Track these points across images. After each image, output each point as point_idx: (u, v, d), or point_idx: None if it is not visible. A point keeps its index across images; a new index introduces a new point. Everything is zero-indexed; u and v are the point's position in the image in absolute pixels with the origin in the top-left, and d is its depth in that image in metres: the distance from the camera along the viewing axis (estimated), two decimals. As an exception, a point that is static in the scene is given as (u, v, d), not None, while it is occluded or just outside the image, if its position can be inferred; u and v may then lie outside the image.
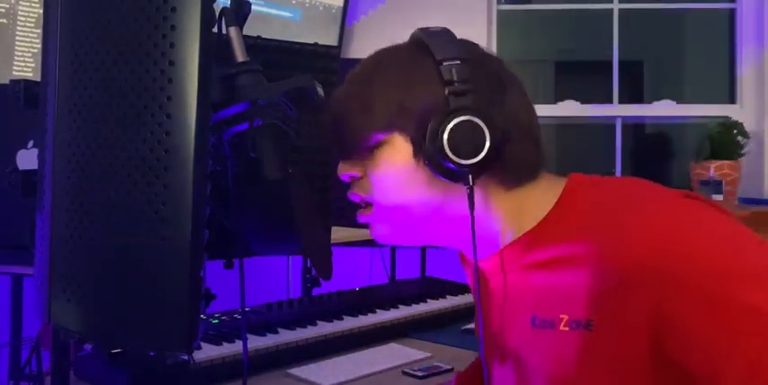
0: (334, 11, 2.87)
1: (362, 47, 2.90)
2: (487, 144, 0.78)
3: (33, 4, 2.27)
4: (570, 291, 0.77)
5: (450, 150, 0.78)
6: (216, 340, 1.32)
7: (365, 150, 0.86)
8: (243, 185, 0.84)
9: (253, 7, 0.88)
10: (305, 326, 1.45)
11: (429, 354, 1.43)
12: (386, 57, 0.88)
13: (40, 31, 2.24)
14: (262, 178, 0.82)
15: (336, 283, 1.46)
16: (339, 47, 2.77)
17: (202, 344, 1.30)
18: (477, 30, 3.07)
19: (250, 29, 0.90)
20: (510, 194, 0.83)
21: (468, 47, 0.85)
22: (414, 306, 1.68)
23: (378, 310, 1.61)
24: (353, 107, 0.85)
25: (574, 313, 0.76)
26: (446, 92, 0.79)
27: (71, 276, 0.74)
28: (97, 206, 0.71)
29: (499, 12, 3.25)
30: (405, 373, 1.33)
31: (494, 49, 3.07)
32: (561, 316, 0.77)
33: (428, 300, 1.73)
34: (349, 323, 1.51)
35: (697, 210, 0.77)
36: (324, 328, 1.46)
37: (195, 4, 0.66)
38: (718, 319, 0.67)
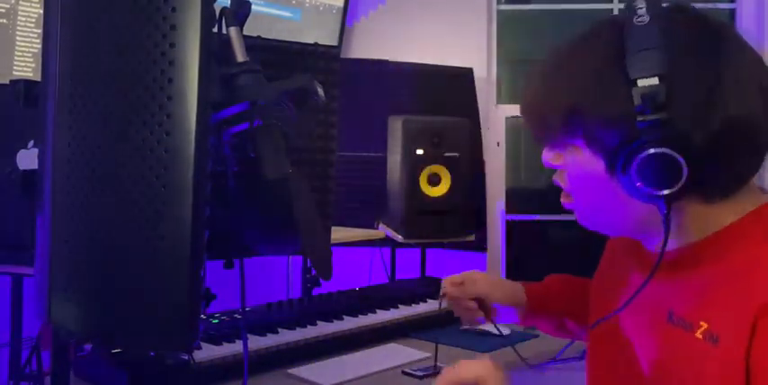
0: (334, 11, 2.87)
1: (362, 47, 2.90)
2: (684, 174, 0.71)
3: (33, 4, 2.26)
4: (714, 301, 0.74)
5: (642, 181, 0.72)
6: (216, 340, 1.32)
7: (560, 145, 0.81)
8: (243, 185, 0.84)
9: (253, 7, 0.88)
10: (305, 326, 1.45)
11: (429, 354, 1.43)
12: (580, 43, 0.80)
13: (40, 31, 2.24)
14: (262, 178, 0.82)
15: (336, 283, 1.46)
16: (339, 47, 2.77)
17: (202, 344, 1.30)
18: (478, 30, 3.06)
19: (250, 29, 0.90)
20: (706, 207, 0.77)
21: (680, 40, 0.73)
22: (414, 306, 1.68)
23: (378, 310, 1.61)
24: (545, 102, 0.80)
25: (712, 324, 0.73)
26: (637, 118, 0.71)
27: (71, 276, 0.74)
28: (97, 206, 0.71)
29: (499, 12, 3.25)
30: (405, 373, 1.33)
31: (494, 50, 3.07)
32: (701, 322, 0.74)
33: (428, 300, 1.73)
34: (349, 323, 1.51)
35: None
36: (324, 328, 1.46)
37: (195, 5, 0.66)
38: None
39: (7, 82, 1.01)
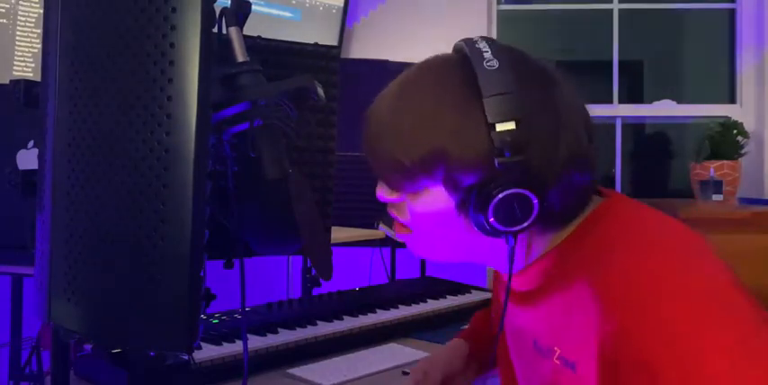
0: (334, 11, 2.87)
1: (362, 47, 2.90)
2: (535, 212, 0.75)
3: (33, 4, 2.27)
4: (562, 327, 0.76)
5: (497, 220, 0.75)
6: (216, 340, 1.32)
7: (409, 185, 0.81)
8: (243, 185, 0.84)
9: (253, 7, 0.88)
10: (305, 326, 1.45)
11: (429, 354, 1.43)
12: (432, 81, 0.81)
13: (40, 31, 2.24)
14: (262, 178, 0.82)
15: (336, 283, 1.46)
16: (339, 47, 2.77)
17: (202, 344, 1.30)
18: (477, 30, 3.06)
19: (250, 29, 0.90)
20: (549, 234, 0.81)
21: (517, 71, 0.76)
22: (414, 306, 1.68)
23: (378, 310, 1.61)
24: (392, 137, 0.81)
25: (564, 350, 0.76)
26: (497, 160, 0.74)
27: (71, 276, 0.74)
28: (97, 206, 0.71)
29: (499, 12, 3.25)
30: (405, 373, 1.33)
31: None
32: (555, 348, 0.77)
33: (428, 300, 1.73)
34: (349, 323, 1.51)
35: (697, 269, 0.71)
36: (324, 328, 1.46)
37: (195, 5, 0.66)
38: None
39: (7, 82, 1.01)
